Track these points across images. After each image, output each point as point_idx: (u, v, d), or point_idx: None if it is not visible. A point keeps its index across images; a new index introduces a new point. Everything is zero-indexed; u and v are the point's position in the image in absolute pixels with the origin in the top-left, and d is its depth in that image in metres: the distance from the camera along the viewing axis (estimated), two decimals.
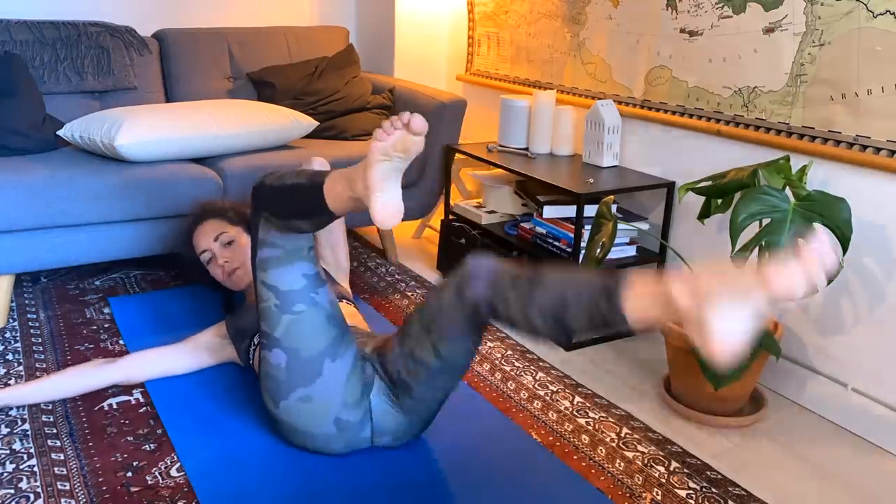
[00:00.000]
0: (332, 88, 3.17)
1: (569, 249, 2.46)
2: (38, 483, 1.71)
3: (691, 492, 1.77)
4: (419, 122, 1.49)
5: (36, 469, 1.75)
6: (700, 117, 2.40)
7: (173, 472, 1.76)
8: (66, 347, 2.32)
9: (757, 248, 1.93)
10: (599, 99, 2.77)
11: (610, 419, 2.06)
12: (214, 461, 1.80)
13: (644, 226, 2.54)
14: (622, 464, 1.86)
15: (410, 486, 1.73)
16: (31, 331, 2.42)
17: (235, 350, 2.10)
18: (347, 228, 2.73)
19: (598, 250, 2.11)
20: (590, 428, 2.01)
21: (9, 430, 1.90)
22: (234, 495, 1.69)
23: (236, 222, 2.37)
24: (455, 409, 2.04)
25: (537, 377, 2.27)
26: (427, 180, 3.07)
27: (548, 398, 2.15)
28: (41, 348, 2.31)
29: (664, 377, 2.25)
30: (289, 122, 2.82)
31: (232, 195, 2.65)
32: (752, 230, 2.11)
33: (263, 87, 3.22)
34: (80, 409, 2.00)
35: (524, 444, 1.91)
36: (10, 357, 2.25)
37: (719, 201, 2.13)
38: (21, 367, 2.19)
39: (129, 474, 1.75)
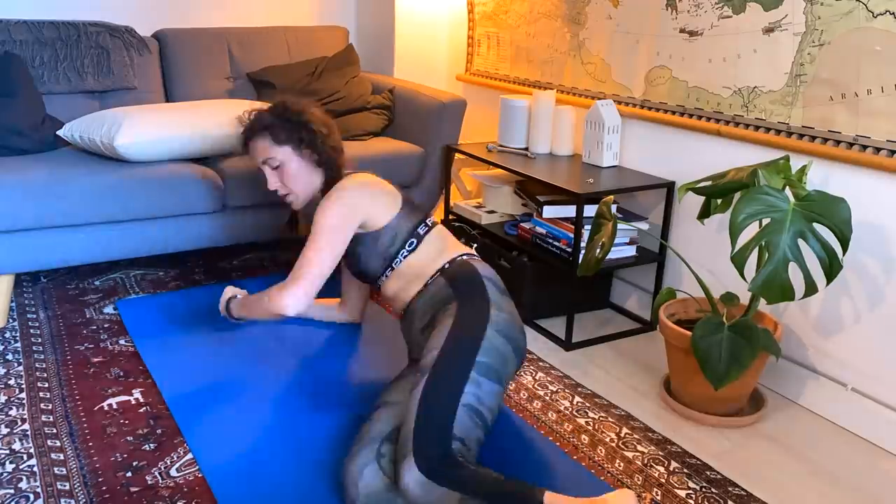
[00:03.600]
0: (331, 88, 3.17)
1: (569, 249, 2.46)
2: (38, 483, 1.71)
3: (691, 492, 1.77)
4: None
5: (36, 469, 1.75)
6: (700, 117, 2.40)
7: (173, 472, 1.76)
8: (66, 347, 2.32)
9: (757, 248, 1.93)
10: (599, 99, 2.77)
11: (610, 419, 2.06)
12: (231, 462, 1.81)
13: (644, 226, 2.54)
14: (622, 464, 1.86)
15: None
16: (31, 331, 2.43)
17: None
18: None
19: (598, 250, 2.11)
20: (590, 428, 2.01)
21: (9, 430, 1.90)
22: (250, 496, 1.69)
23: (284, 141, 2.12)
24: None
25: (537, 377, 2.27)
26: (427, 180, 3.07)
27: (548, 398, 2.15)
28: (41, 348, 2.31)
29: (664, 377, 2.25)
30: None
31: (232, 195, 2.65)
32: (752, 230, 2.11)
33: (263, 86, 3.22)
34: (79, 409, 2.00)
35: (535, 441, 1.92)
36: (10, 357, 2.25)
37: (719, 201, 2.13)
38: (21, 368, 2.19)
39: (129, 474, 1.75)
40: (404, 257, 2.01)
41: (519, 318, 1.90)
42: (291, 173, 2.14)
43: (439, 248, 2.02)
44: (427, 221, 2.07)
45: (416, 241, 2.02)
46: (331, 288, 2.48)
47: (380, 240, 2.01)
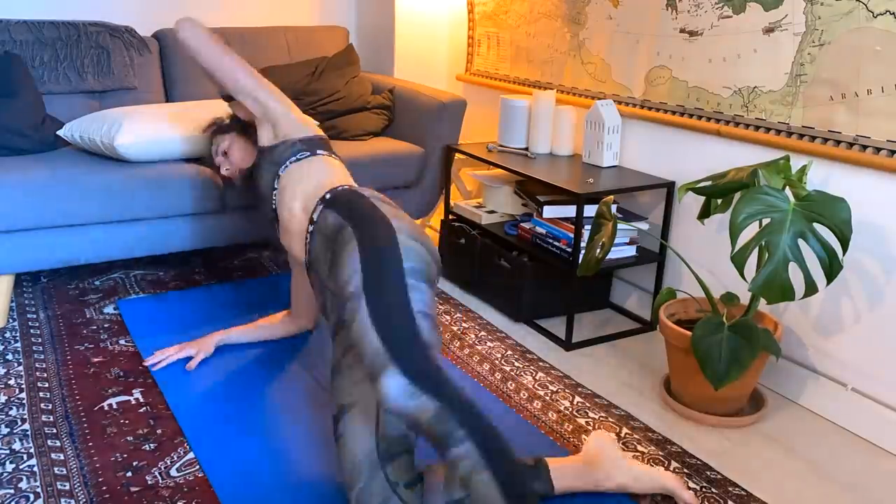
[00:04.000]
0: (332, 88, 3.17)
1: (569, 249, 2.46)
2: (38, 483, 1.71)
3: (691, 492, 1.76)
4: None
5: (36, 469, 1.76)
6: (700, 117, 2.40)
7: (173, 472, 1.76)
8: (66, 347, 2.32)
9: (757, 248, 1.93)
10: (599, 99, 2.77)
11: (610, 419, 2.06)
12: (233, 461, 1.81)
13: (644, 226, 2.54)
14: None
15: None
16: (31, 331, 2.43)
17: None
18: None
19: (598, 250, 2.11)
20: (590, 428, 2.01)
21: (9, 430, 1.90)
22: (253, 496, 1.69)
23: (228, 129, 2.35)
24: None
25: (537, 377, 2.27)
26: (427, 180, 3.07)
27: (548, 398, 2.15)
28: (41, 348, 2.31)
29: (664, 377, 2.25)
30: None
31: (232, 195, 2.64)
32: (752, 230, 2.11)
33: None
34: (80, 409, 2.00)
35: (536, 441, 1.92)
36: (10, 357, 2.25)
37: (719, 201, 2.13)
38: (21, 368, 2.19)
39: (129, 474, 1.75)
40: (290, 164, 2.05)
41: (416, 223, 1.82)
42: (232, 153, 2.32)
43: (322, 177, 2.01)
44: (331, 153, 2.14)
45: (308, 154, 2.07)
46: (277, 302, 2.48)
47: (277, 148, 2.09)
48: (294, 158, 2.06)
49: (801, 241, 1.80)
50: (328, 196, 1.91)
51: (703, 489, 1.78)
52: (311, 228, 1.90)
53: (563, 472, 1.65)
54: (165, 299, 2.68)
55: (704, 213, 2.14)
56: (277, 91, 2.18)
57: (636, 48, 2.60)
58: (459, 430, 1.40)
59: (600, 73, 2.78)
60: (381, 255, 1.64)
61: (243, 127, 2.32)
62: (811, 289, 1.84)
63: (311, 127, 2.17)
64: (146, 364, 2.22)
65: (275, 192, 2.07)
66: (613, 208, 2.21)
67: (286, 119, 2.12)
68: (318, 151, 2.10)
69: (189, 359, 2.25)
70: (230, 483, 1.73)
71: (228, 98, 2.32)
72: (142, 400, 2.06)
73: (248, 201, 2.63)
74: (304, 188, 1.99)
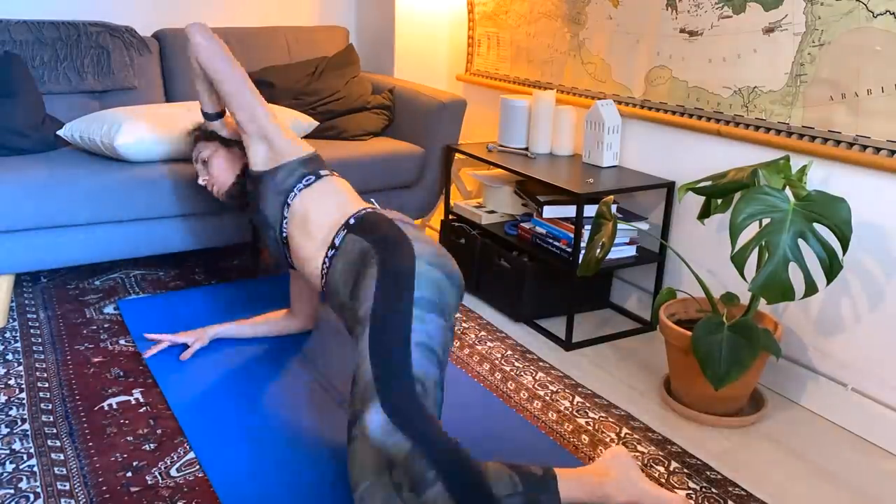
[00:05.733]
0: (332, 88, 3.17)
1: (569, 249, 2.46)
2: (38, 483, 1.71)
3: (691, 492, 1.77)
4: None
5: (36, 469, 1.76)
6: (700, 117, 2.40)
7: (173, 472, 1.76)
8: (66, 347, 2.32)
9: (757, 248, 1.93)
10: (599, 99, 2.77)
11: (610, 419, 2.06)
12: (233, 461, 1.81)
13: (644, 226, 2.54)
14: None
15: None
16: (31, 331, 2.43)
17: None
18: None
19: (598, 250, 2.12)
20: (590, 428, 2.01)
21: (9, 430, 1.90)
22: (253, 496, 1.69)
23: (213, 137, 2.32)
24: (469, 409, 2.05)
25: (537, 377, 2.27)
26: (427, 180, 3.07)
27: (548, 398, 2.15)
28: (41, 348, 2.31)
29: (664, 377, 2.25)
30: (289, 122, 2.82)
31: None
32: (752, 230, 2.11)
33: (263, 86, 3.21)
34: (79, 409, 2.00)
35: (536, 441, 1.92)
36: (10, 357, 2.25)
37: (719, 201, 2.13)
38: (21, 368, 2.19)
39: (129, 474, 1.75)
40: (300, 190, 2.03)
41: (441, 247, 1.86)
42: (216, 163, 2.28)
43: (340, 200, 2.02)
44: (331, 172, 2.12)
45: (313, 178, 2.06)
46: (277, 302, 2.49)
47: (277, 175, 2.06)
48: (302, 185, 2.04)
49: (801, 241, 1.80)
50: (352, 221, 1.93)
51: (703, 489, 1.78)
52: (331, 253, 1.92)
53: (572, 483, 1.60)
54: (165, 299, 2.68)
55: (704, 213, 2.14)
56: (270, 108, 2.16)
57: (636, 48, 2.60)
58: (430, 470, 1.46)
59: (600, 73, 2.78)
60: (394, 282, 1.70)
61: (227, 141, 2.30)
62: (811, 289, 1.84)
63: (301, 145, 2.14)
64: (144, 357, 2.23)
65: (285, 221, 2.05)
66: (613, 208, 2.21)
67: (281, 140, 2.10)
68: (321, 172, 2.09)
69: (185, 350, 2.28)
70: (230, 483, 1.73)
71: (213, 117, 2.31)
72: (142, 400, 2.06)
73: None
74: (323, 213, 1.99)
